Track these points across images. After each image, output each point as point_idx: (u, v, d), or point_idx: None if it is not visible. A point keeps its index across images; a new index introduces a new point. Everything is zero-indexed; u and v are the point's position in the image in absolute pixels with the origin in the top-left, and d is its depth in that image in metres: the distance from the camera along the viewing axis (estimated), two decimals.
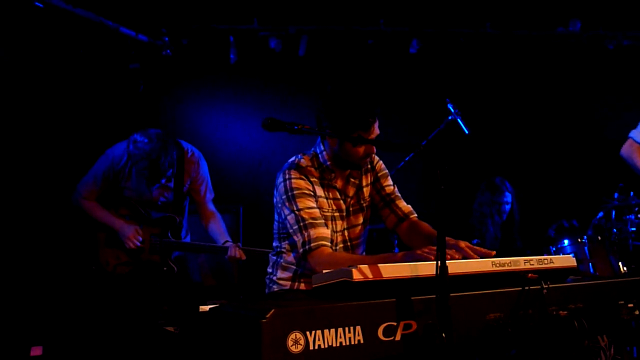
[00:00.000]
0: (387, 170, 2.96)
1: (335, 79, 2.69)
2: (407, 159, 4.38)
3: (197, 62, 5.54)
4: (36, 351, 3.92)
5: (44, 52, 4.52)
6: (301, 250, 2.53)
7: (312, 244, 2.49)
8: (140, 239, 3.89)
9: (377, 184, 2.91)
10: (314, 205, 2.59)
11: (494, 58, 5.88)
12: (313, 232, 2.50)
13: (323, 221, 2.57)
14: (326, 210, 2.68)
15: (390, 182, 2.93)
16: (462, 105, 4.39)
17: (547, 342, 1.88)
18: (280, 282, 2.81)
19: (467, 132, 4.30)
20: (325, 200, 2.71)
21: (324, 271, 1.87)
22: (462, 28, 5.79)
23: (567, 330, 1.86)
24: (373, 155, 2.83)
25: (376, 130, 2.62)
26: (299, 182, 2.61)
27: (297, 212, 2.55)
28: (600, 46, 5.93)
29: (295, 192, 2.58)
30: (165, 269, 3.93)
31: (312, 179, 2.67)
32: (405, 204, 2.91)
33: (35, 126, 4.46)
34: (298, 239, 2.55)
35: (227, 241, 3.92)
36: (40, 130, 4.49)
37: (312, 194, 2.62)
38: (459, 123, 4.30)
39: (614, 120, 5.99)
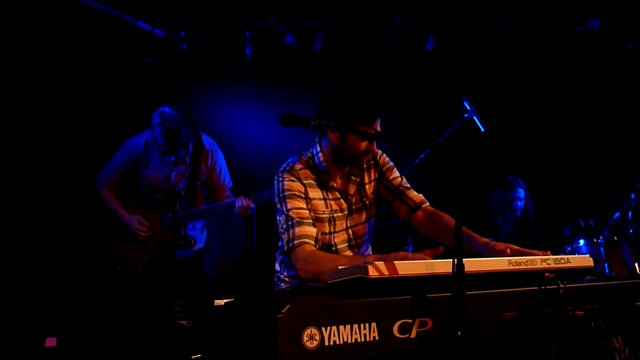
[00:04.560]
0: (392, 163, 2.94)
1: (339, 76, 2.70)
2: (422, 156, 4.37)
3: (212, 57, 5.55)
4: (51, 342, 3.96)
5: (61, 46, 4.55)
6: (286, 248, 2.56)
7: (295, 242, 2.52)
8: (145, 227, 3.93)
9: (383, 179, 2.90)
10: (304, 206, 2.62)
11: (511, 56, 5.84)
12: (298, 230, 2.53)
13: (311, 221, 2.59)
14: (322, 212, 2.70)
15: (396, 173, 2.91)
16: (478, 103, 4.37)
17: (563, 342, 1.86)
18: (288, 279, 2.83)
19: (483, 130, 4.28)
20: (322, 201, 2.72)
21: (340, 267, 1.87)
22: (479, 25, 5.76)
23: (583, 331, 1.84)
24: (376, 150, 2.84)
25: (378, 128, 2.62)
26: (290, 184, 2.64)
27: (286, 213, 2.60)
28: (619, 45, 5.87)
29: (286, 193, 2.63)
30: (182, 242, 3.97)
31: (306, 182, 2.69)
32: (416, 193, 2.89)
33: (51, 121, 4.49)
34: (285, 237, 2.58)
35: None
36: (56, 125, 4.52)
37: (302, 196, 2.64)
38: (475, 121, 4.29)
39: (632, 119, 5.94)
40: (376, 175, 2.90)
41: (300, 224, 2.55)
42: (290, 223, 2.57)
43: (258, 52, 5.59)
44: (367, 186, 2.86)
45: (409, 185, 2.91)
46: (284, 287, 2.84)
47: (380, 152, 2.92)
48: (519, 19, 5.75)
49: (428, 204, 2.88)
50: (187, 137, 3.84)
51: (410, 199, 2.86)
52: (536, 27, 5.80)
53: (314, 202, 2.69)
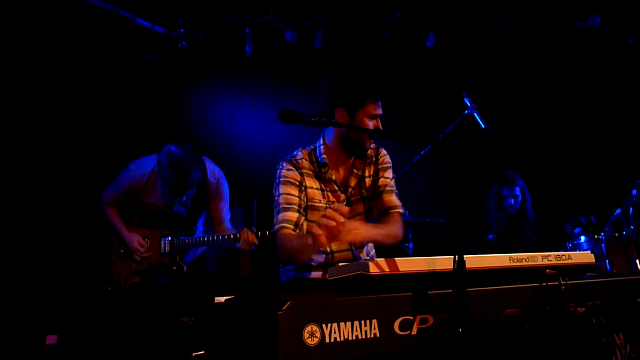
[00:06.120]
0: (390, 165, 2.98)
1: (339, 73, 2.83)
2: (422, 152, 4.36)
3: (212, 54, 5.54)
4: (51, 340, 3.96)
5: (61, 44, 4.54)
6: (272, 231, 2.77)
7: (277, 226, 2.71)
8: (144, 249, 3.92)
9: (375, 176, 2.94)
10: (295, 193, 2.76)
11: (511, 52, 5.84)
12: (281, 216, 2.71)
13: (296, 207, 2.73)
14: (318, 201, 2.82)
15: (388, 175, 2.95)
16: (479, 99, 4.36)
17: (565, 339, 1.86)
18: (289, 271, 2.92)
19: (483, 126, 4.26)
20: (319, 191, 2.83)
21: (340, 264, 1.88)
22: (479, 22, 5.74)
23: (585, 328, 1.84)
24: (381, 150, 2.94)
25: (381, 112, 2.75)
26: (287, 173, 2.80)
27: (277, 198, 2.78)
28: (620, 41, 5.86)
29: (282, 179, 2.79)
30: (175, 268, 3.94)
31: (304, 171, 2.83)
32: (392, 198, 2.90)
33: (51, 120, 4.48)
34: (274, 222, 2.76)
35: None
36: (56, 124, 4.51)
37: (297, 184, 2.78)
38: (475, 117, 4.27)
39: (633, 116, 5.93)
40: (374, 171, 2.95)
41: (284, 210, 2.71)
42: (277, 209, 2.75)
43: (258, 50, 5.58)
44: (367, 179, 2.92)
45: (392, 190, 2.93)
46: (284, 279, 2.95)
47: (384, 152, 2.98)
48: (519, 16, 5.74)
49: (398, 211, 2.89)
50: (197, 175, 3.79)
51: (383, 202, 2.89)
52: (537, 24, 5.78)
53: (310, 190, 2.81)
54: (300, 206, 2.74)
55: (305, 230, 2.72)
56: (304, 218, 2.74)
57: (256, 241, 3.75)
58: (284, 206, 2.72)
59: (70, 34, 4.57)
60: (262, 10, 5.52)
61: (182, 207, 3.99)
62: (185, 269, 3.97)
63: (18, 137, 4.24)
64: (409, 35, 5.71)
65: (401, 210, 2.90)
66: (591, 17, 5.75)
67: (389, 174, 2.96)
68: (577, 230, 4.81)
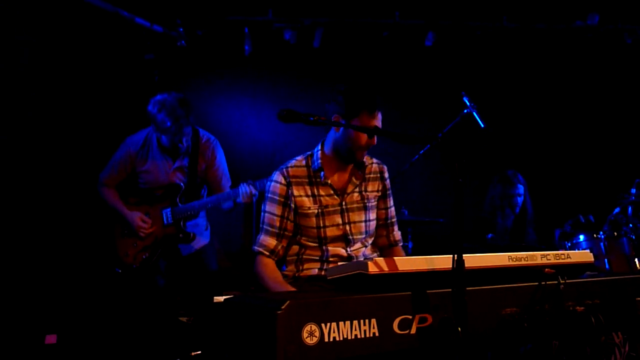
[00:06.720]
0: (391, 191, 3.10)
1: (339, 72, 2.88)
2: (421, 152, 4.36)
3: (211, 54, 5.53)
4: (51, 339, 3.96)
5: (60, 43, 4.54)
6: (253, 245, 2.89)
7: (255, 247, 2.85)
8: (147, 225, 3.92)
9: (384, 196, 3.05)
10: (278, 212, 2.84)
11: (510, 52, 5.83)
12: (262, 239, 2.85)
13: (275, 231, 2.83)
14: (307, 208, 2.85)
15: (392, 203, 3.10)
16: (478, 98, 4.36)
17: (563, 338, 1.86)
18: (286, 272, 2.92)
19: (482, 125, 4.27)
20: (308, 198, 2.86)
21: (339, 264, 1.88)
22: (478, 21, 5.74)
23: (584, 326, 1.84)
24: (384, 168, 3.03)
25: (377, 122, 2.80)
26: (276, 187, 2.86)
27: (262, 213, 2.90)
28: (619, 40, 5.86)
29: (269, 195, 2.89)
30: (181, 236, 3.95)
31: (294, 180, 2.86)
32: (398, 231, 3.11)
33: (49, 118, 4.48)
34: (257, 236, 2.90)
35: None
36: (54, 122, 4.51)
37: (282, 200, 2.84)
38: (474, 117, 4.28)
39: (632, 114, 5.94)
40: (380, 188, 3.01)
41: (265, 232, 2.85)
42: (261, 226, 2.88)
43: (257, 49, 5.58)
44: (370, 193, 2.97)
45: (396, 220, 3.12)
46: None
47: (387, 173, 3.06)
48: (518, 15, 5.74)
49: (402, 244, 3.13)
50: (190, 114, 3.81)
51: (393, 235, 3.09)
52: (536, 23, 5.78)
53: (298, 199, 2.85)
54: (280, 228, 2.83)
55: (281, 255, 2.85)
56: (283, 243, 2.84)
57: (255, 192, 3.77)
58: (265, 227, 2.86)
59: (70, 33, 4.57)
60: (261, 10, 5.52)
61: (180, 174, 3.99)
62: (192, 235, 3.97)
63: (18, 136, 4.24)
64: (408, 35, 5.70)
65: (401, 242, 3.13)
66: (590, 16, 5.75)
67: (392, 200, 3.10)
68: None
